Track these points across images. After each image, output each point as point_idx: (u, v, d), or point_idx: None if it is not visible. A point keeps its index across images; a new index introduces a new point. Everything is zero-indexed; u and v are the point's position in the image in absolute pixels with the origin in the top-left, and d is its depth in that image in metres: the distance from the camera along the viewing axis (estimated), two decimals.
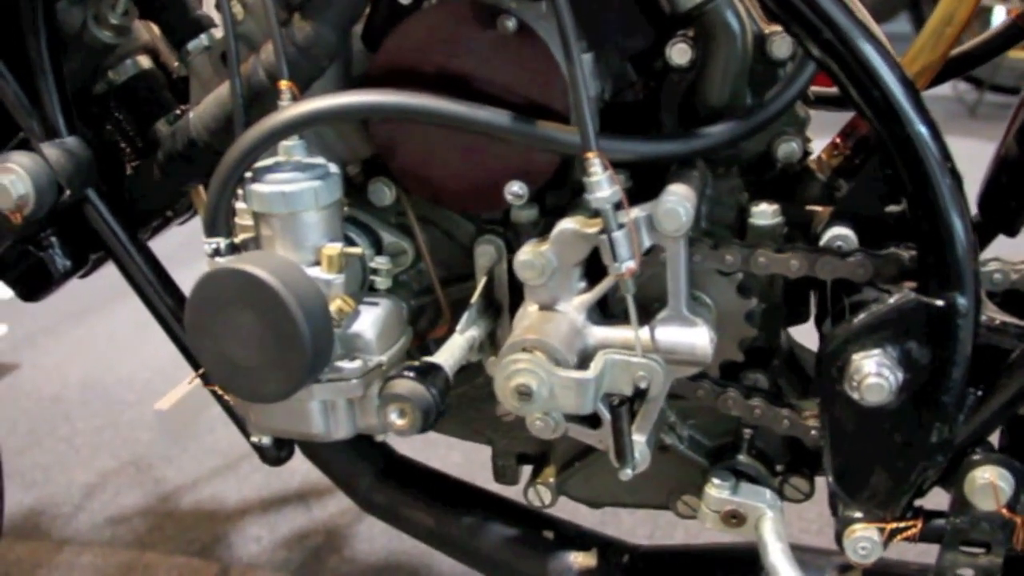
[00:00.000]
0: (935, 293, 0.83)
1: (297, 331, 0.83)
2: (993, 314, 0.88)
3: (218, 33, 1.11)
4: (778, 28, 0.92)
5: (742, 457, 1.00)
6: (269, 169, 0.90)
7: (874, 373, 0.84)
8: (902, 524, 0.91)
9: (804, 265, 0.89)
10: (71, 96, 1.06)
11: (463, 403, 1.09)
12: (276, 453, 1.10)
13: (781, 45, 0.91)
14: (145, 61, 1.17)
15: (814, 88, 1.12)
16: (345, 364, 0.90)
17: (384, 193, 0.99)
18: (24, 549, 1.87)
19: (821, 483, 1.01)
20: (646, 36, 0.94)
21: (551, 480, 1.07)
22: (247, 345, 0.85)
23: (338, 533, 1.89)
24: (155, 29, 1.19)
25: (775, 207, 0.93)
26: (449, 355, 0.90)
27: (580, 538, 1.12)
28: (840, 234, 0.91)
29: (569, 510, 1.13)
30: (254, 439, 1.02)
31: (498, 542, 1.12)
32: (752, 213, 0.93)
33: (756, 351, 0.98)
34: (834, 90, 1.14)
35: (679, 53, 0.92)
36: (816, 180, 0.98)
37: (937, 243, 0.82)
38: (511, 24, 0.87)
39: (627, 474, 0.93)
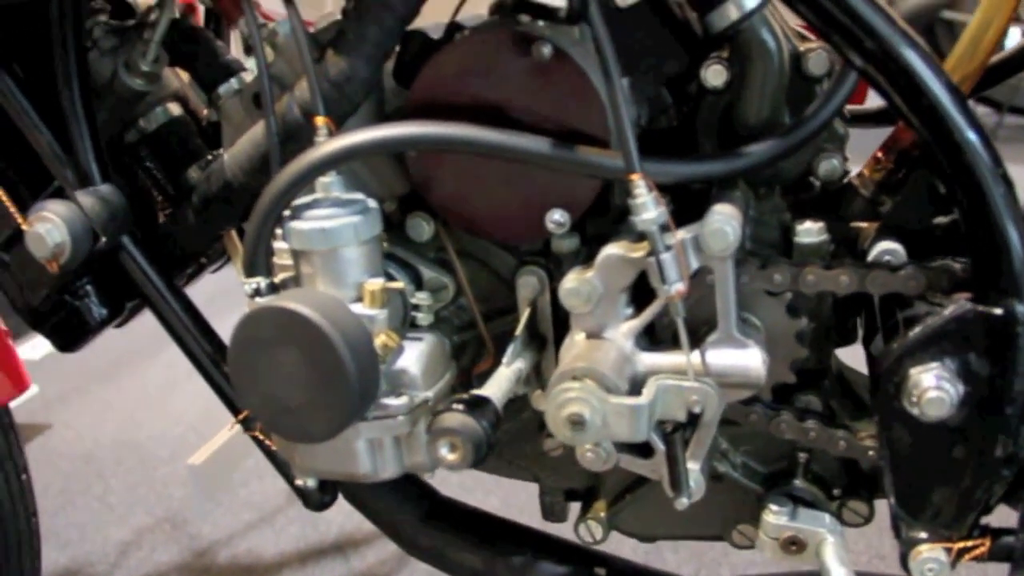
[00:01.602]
0: (993, 302, 0.81)
1: (343, 368, 0.82)
2: None
3: (248, 77, 1.11)
4: (813, 44, 0.91)
5: (798, 482, 0.97)
6: (308, 206, 0.89)
7: (934, 387, 0.82)
8: (969, 543, 0.88)
9: (854, 281, 0.87)
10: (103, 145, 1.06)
11: (508, 439, 1.07)
12: (320, 497, 1.08)
13: (818, 61, 0.91)
14: (175, 108, 1.17)
15: (848, 106, 1.11)
16: (391, 401, 0.89)
17: (422, 228, 0.98)
18: None
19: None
20: (680, 60, 0.93)
21: (602, 515, 1.05)
22: (292, 384, 0.84)
23: None
24: (183, 76, 1.20)
25: (820, 224, 0.91)
26: (496, 388, 0.89)
27: (633, 574, 1.09)
28: (889, 248, 0.89)
29: (612, 546, 1.10)
30: (298, 482, 1.00)
31: None
32: (797, 231, 0.91)
33: (807, 372, 0.96)
34: (869, 107, 1.14)
35: (714, 75, 0.91)
36: (859, 196, 0.96)
37: (992, 250, 0.80)
38: (546, 51, 0.86)
39: (683, 503, 0.91)
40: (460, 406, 0.83)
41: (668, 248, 0.82)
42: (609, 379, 0.84)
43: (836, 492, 0.98)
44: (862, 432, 0.93)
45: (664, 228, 0.82)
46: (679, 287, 0.82)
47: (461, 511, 1.17)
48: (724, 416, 0.94)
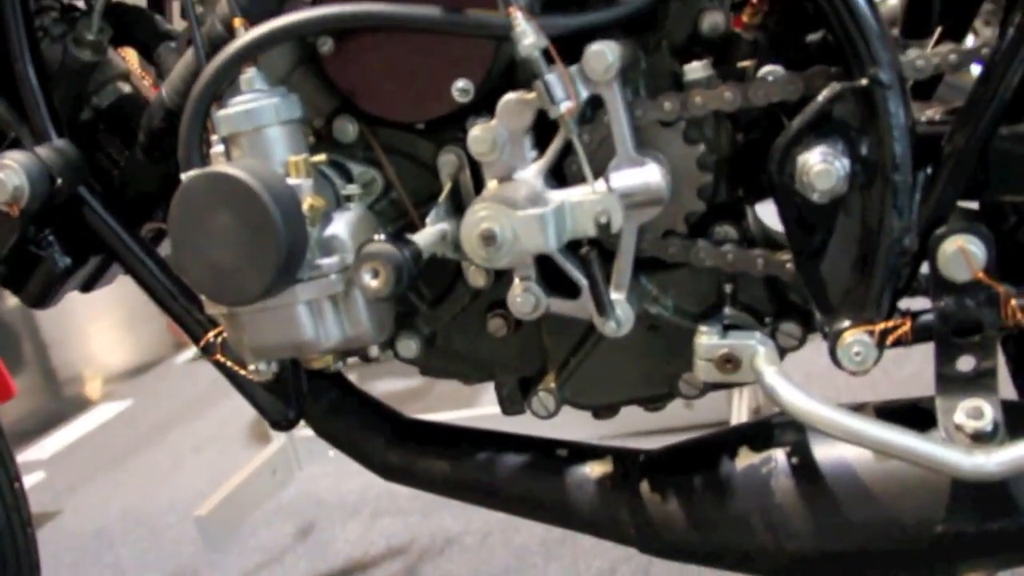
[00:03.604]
0: (859, 77, 0.88)
1: (269, 218, 0.88)
2: (931, 113, 0.94)
3: None
4: None
5: (728, 310, 1.01)
6: (232, 95, 0.97)
7: (820, 161, 0.87)
8: (891, 324, 0.92)
9: (738, 95, 0.93)
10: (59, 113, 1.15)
11: (454, 336, 1.12)
12: (284, 413, 1.12)
13: None
14: (125, 87, 1.27)
15: None
16: (323, 260, 0.95)
17: (347, 129, 1.05)
18: None
19: None
20: None
21: (552, 385, 1.08)
22: (226, 245, 0.90)
23: None
24: (130, 60, 1.30)
25: (705, 61, 0.98)
26: (420, 237, 0.94)
27: (593, 451, 1.12)
28: (770, 70, 0.96)
29: None
30: (251, 368, 1.03)
31: (513, 472, 1.12)
32: (685, 72, 0.98)
33: (720, 207, 1.01)
34: None
35: None
36: (742, 40, 1.03)
37: (853, 29, 0.87)
38: None
39: (612, 328, 0.95)
40: (382, 237, 0.89)
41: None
42: (519, 203, 0.90)
43: (767, 320, 1.02)
44: (779, 252, 0.97)
45: (548, 58, 0.89)
46: (568, 104, 0.89)
47: (424, 427, 1.20)
48: (646, 254, 0.99)
